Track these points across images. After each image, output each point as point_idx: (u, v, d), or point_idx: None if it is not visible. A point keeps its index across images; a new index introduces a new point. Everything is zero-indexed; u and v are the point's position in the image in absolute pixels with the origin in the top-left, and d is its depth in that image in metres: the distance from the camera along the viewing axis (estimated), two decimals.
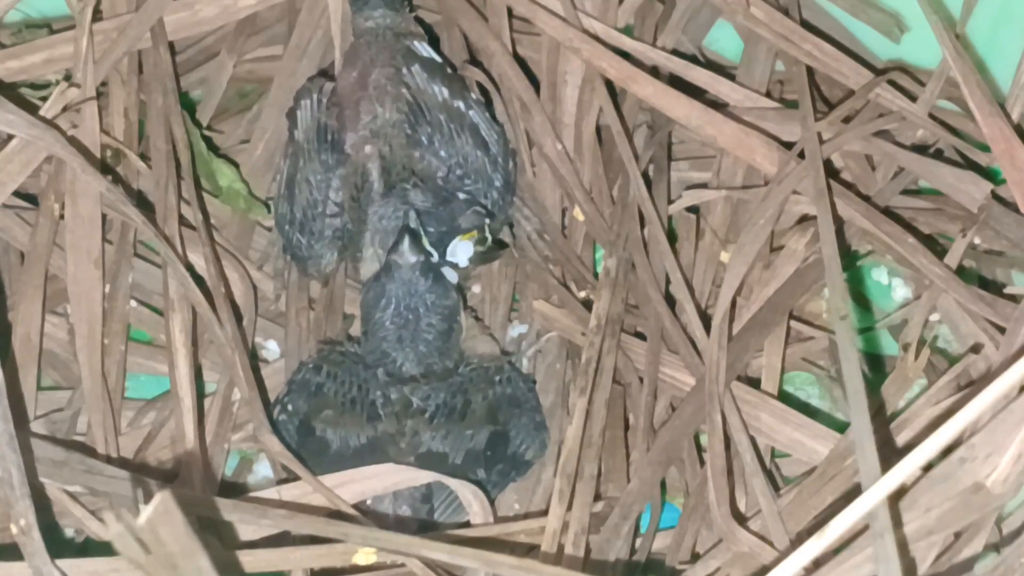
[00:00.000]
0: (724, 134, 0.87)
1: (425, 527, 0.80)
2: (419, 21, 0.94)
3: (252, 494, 0.78)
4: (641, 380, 0.83)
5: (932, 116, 0.89)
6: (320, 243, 0.88)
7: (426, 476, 0.78)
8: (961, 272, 0.83)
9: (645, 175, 0.89)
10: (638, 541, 0.79)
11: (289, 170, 0.90)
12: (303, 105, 0.90)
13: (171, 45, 0.92)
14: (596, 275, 0.88)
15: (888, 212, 0.86)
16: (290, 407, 0.83)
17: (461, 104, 0.89)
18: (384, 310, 0.82)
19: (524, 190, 0.92)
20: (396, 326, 0.82)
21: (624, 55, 0.90)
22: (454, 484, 0.78)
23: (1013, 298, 0.80)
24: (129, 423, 0.85)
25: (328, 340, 0.87)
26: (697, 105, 0.88)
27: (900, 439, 0.75)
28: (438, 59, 0.91)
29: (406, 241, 0.82)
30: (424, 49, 0.92)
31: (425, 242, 0.83)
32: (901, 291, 0.93)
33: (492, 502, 0.80)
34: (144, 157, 0.90)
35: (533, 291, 0.89)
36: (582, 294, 0.88)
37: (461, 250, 0.85)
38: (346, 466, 0.78)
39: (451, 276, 0.85)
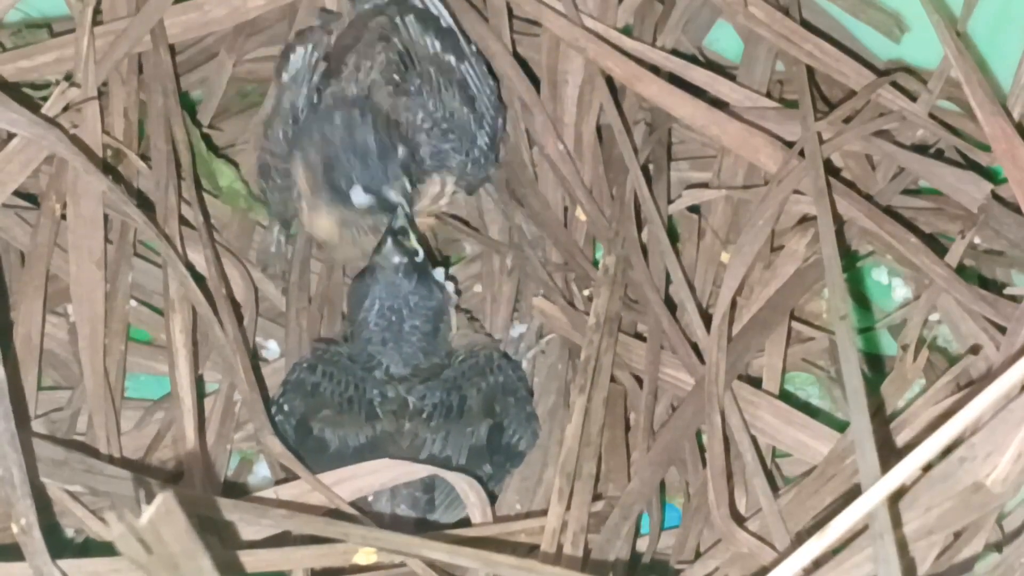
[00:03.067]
0: (728, 134, 0.88)
1: (425, 526, 0.80)
2: None
3: (252, 494, 0.78)
4: (640, 382, 0.83)
5: (932, 116, 0.89)
6: (284, 185, 0.88)
7: (423, 470, 0.78)
8: (961, 272, 0.83)
9: (645, 173, 0.89)
10: (639, 541, 0.79)
11: (271, 111, 0.89)
12: (297, 51, 0.90)
13: (171, 46, 0.92)
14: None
15: (888, 212, 0.86)
16: (286, 407, 0.83)
17: (452, 58, 0.89)
18: (368, 311, 0.82)
19: (526, 186, 0.92)
20: (379, 328, 0.82)
21: (624, 55, 0.90)
22: (451, 477, 0.78)
23: (1013, 298, 0.80)
24: (135, 424, 0.85)
25: (322, 339, 0.87)
26: (701, 105, 0.88)
27: (900, 439, 0.75)
28: (434, 11, 0.91)
29: (389, 242, 0.82)
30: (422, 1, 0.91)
31: (413, 241, 0.83)
32: (901, 291, 0.93)
33: (492, 495, 0.80)
34: (144, 157, 0.90)
35: (534, 291, 0.89)
36: (586, 292, 0.87)
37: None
38: (345, 465, 0.78)
39: (438, 275, 0.85)
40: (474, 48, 0.91)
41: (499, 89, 0.91)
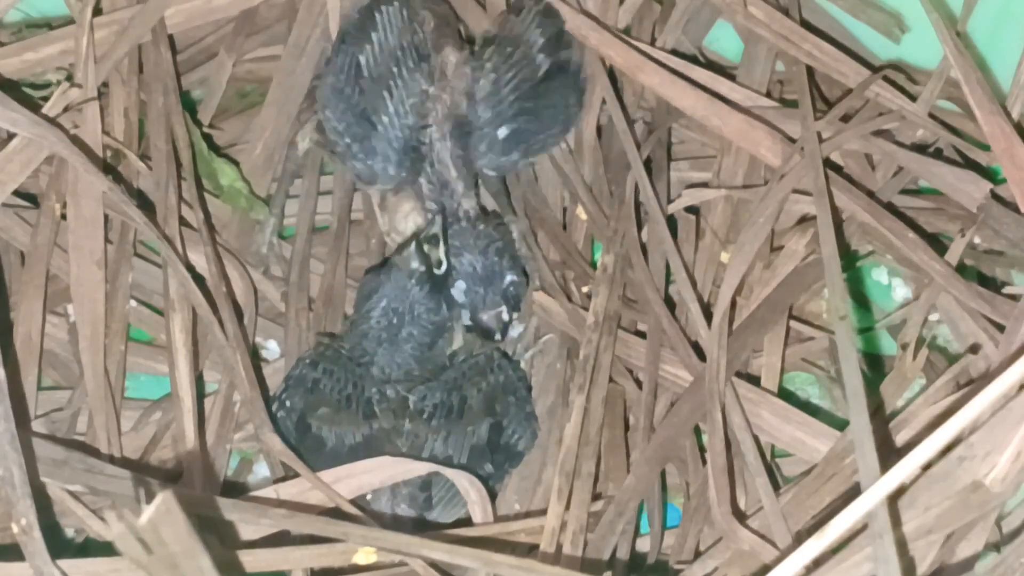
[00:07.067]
0: (729, 125, 0.88)
1: (424, 525, 0.80)
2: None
3: (252, 494, 0.78)
4: (639, 382, 0.83)
5: (932, 116, 0.89)
6: (385, 147, 0.87)
7: (422, 467, 0.78)
8: (961, 271, 0.83)
9: (645, 171, 0.89)
10: (640, 541, 0.79)
11: (349, 72, 0.88)
12: (387, 12, 0.89)
13: (172, 45, 0.93)
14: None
15: (888, 211, 0.86)
16: (288, 403, 0.83)
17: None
18: (375, 304, 0.82)
19: (526, 185, 0.92)
20: (379, 326, 0.82)
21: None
22: (451, 474, 0.78)
23: (1013, 297, 0.80)
24: (134, 424, 0.85)
25: (325, 333, 0.87)
26: (703, 96, 0.88)
27: (899, 439, 0.75)
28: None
29: (412, 247, 0.82)
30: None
31: (440, 251, 0.83)
32: (901, 291, 0.93)
33: (492, 494, 0.80)
34: (144, 157, 0.90)
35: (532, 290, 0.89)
36: (585, 290, 0.87)
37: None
38: (342, 464, 0.78)
39: (458, 290, 0.84)
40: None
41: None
